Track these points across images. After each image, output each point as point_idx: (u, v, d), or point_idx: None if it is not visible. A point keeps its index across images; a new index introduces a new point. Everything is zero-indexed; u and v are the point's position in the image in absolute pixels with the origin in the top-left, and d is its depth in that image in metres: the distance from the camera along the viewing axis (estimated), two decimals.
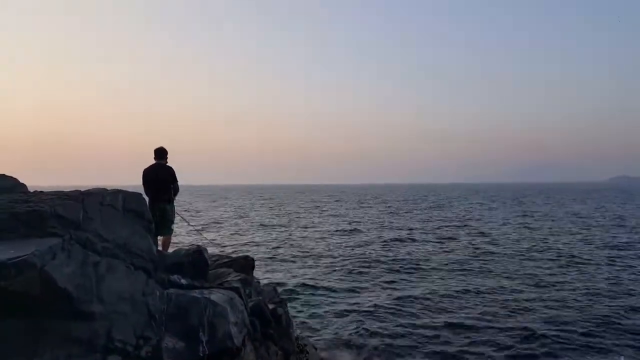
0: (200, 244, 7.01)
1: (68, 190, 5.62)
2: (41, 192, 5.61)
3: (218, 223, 38.55)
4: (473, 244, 24.52)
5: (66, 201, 5.14)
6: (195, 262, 6.32)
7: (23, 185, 6.16)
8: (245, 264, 8.86)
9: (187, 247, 6.82)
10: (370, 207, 64.16)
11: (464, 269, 18.03)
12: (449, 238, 27.25)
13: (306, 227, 35.13)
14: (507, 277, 16.40)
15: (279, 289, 10.76)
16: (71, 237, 4.89)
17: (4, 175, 6.12)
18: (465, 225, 34.72)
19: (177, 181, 7.97)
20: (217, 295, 5.71)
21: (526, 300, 13.20)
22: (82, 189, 5.60)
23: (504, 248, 23.01)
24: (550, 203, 66.13)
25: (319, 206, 66.47)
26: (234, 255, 9.65)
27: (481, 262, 19.45)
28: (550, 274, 16.66)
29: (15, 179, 6.15)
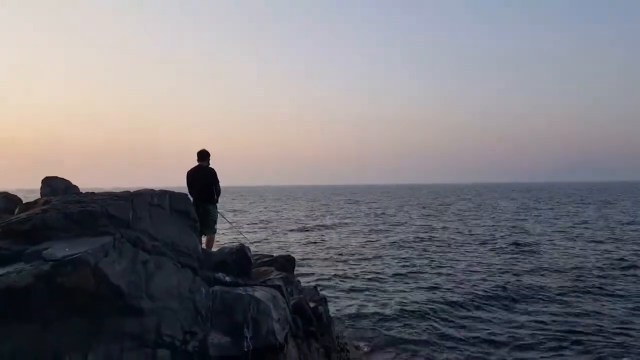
0: (242, 242, 7.15)
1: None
2: (92, 193, 5.86)
3: (260, 223, 39.05)
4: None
5: (117, 201, 5.35)
6: (239, 260, 6.45)
7: (75, 187, 6.44)
8: (286, 263, 8.98)
9: (230, 246, 6.97)
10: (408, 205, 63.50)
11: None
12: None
13: (342, 226, 35.16)
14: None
15: (319, 289, 10.81)
16: (122, 235, 5.09)
17: (57, 177, 6.41)
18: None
19: (218, 182, 8.18)
20: (260, 293, 5.82)
21: None
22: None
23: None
24: None
25: (357, 201, 66.26)
26: (274, 254, 9.77)
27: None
28: None
29: (68, 181, 6.44)
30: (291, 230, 33.18)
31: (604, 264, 18.02)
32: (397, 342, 10.13)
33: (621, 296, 13.34)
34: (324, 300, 8.89)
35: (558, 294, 13.58)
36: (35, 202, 5.60)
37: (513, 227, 32.71)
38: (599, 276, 16.00)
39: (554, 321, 11.18)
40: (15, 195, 6.13)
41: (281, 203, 79.48)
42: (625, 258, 19.19)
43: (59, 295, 4.42)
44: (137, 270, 4.99)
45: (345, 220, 41.49)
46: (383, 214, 50.20)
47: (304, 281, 11.91)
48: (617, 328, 10.56)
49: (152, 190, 5.80)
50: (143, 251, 5.23)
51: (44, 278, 4.35)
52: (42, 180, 6.22)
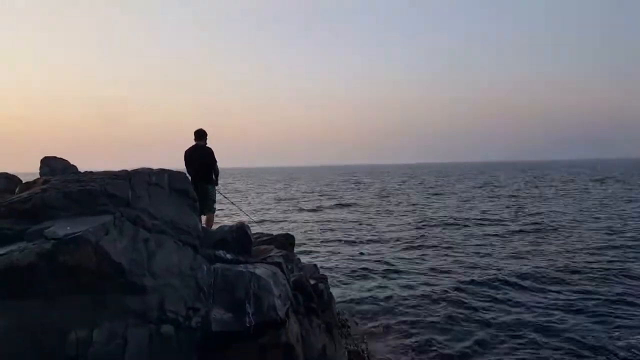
0: (242, 221, 7.19)
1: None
2: (91, 172, 5.87)
3: (261, 203, 39.17)
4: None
5: (115, 180, 5.37)
6: (239, 238, 6.49)
7: (74, 167, 6.44)
8: (285, 242, 9.04)
9: (230, 224, 7.01)
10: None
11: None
12: None
13: (343, 206, 35.29)
14: None
15: (319, 267, 10.86)
16: (122, 214, 5.12)
17: (55, 157, 6.41)
18: None
19: (216, 162, 8.17)
20: (261, 270, 5.86)
21: None
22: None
23: None
24: None
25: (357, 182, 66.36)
26: (274, 234, 9.83)
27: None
28: None
29: (66, 161, 6.44)
30: (292, 210, 33.31)
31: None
32: (400, 321, 10.16)
33: None
34: (324, 278, 8.97)
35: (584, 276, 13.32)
36: (35, 181, 5.62)
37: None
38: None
39: (582, 303, 11.01)
40: (15, 176, 6.13)
41: (282, 184, 79.50)
42: None
43: (61, 273, 4.46)
44: (138, 249, 5.02)
45: (349, 200, 41.56)
46: (385, 192, 50.39)
47: (304, 260, 11.98)
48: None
49: (150, 169, 5.80)
50: (143, 229, 5.26)
51: (46, 256, 4.39)
52: (41, 160, 6.22)
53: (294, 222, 27.02)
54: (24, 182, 6.03)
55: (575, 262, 14.80)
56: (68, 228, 4.65)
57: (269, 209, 35.07)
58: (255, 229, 9.65)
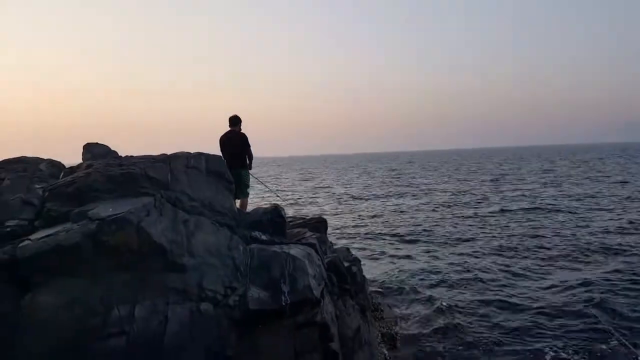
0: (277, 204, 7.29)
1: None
2: (131, 156, 6.05)
3: (291, 189, 39.46)
4: None
5: (155, 164, 5.54)
6: (274, 219, 6.60)
7: (115, 152, 6.65)
8: (319, 225, 9.11)
9: (264, 207, 7.12)
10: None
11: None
12: None
13: (373, 195, 35.23)
14: None
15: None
16: (161, 196, 5.28)
17: (97, 143, 6.63)
18: None
19: (249, 147, 8.27)
20: (295, 250, 5.96)
21: None
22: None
23: None
24: None
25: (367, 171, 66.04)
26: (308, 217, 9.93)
27: None
28: None
29: (107, 147, 6.65)
30: (323, 196, 33.46)
31: None
32: (432, 307, 10.13)
33: None
34: (357, 261, 9.03)
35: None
36: (78, 166, 5.83)
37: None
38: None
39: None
40: (59, 162, 6.38)
41: (308, 172, 79.74)
42: None
43: (104, 252, 4.65)
44: (178, 229, 5.18)
45: (377, 190, 41.39)
46: (412, 179, 50.03)
47: (336, 244, 12.07)
48: None
49: (188, 152, 5.95)
50: (182, 211, 5.42)
51: (90, 236, 4.58)
52: (84, 147, 6.45)
53: (323, 206, 27.14)
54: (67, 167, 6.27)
55: None
56: (110, 209, 4.83)
57: (300, 194, 35.30)
58: (289, 213, 9.76)
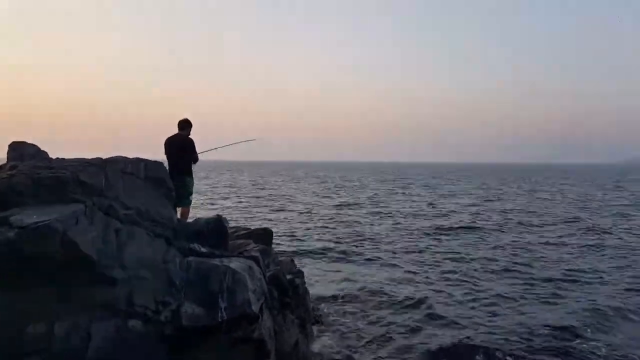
0: (220, 214, 7.06)
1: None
2: (63, 159, 5.68)
3: (246, 197, 38.92)
4: None
5: (88, 168, 5.22)
6: (215, 231, 6.36)
7: (44, 152, 6.24)
8: (263, 236, 8.94)
9: (206, 217, 6.88)
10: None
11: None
12: None
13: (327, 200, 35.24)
14: None
15: (297, 262, 10.79)
16: (93, 203, 4.97)
17: (25, 142, 6.20)
18: None
19: (196, 153, 8.02)
20: (236, 264, 5.75)
21: None
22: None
23: None
24: None
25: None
26: (253, 227, 9.72)
27: None
28: None
29: (36, 147, 6.23)
30: (272, 204, 33.16)
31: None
32: (375, 315, 10.14)
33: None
34: (300, 273, 8.90)
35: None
36: (1, 167, 5.41)
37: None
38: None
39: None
40: None
41: (270, 179, 79.12)
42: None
43: (25, 263, 4.32)
44: (109, 239, 4.89)
45: (333, 196, 41.51)
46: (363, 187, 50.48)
47: (282, 254, 11.88)
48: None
49: (125, 157, 5.65)
50: (116, 220, 5.12)
51: (9, 245, 4.23)
52: (9, 145, 6.00)
53: (272, 215, 26.89)
54: None
55: None
56: (35, 217, 4.48)
57: (251, 203, 34.87)
58: (235, 222, 9.51)
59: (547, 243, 18.24)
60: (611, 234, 20.52)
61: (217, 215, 6.74)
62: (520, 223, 23.85)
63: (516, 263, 14.91)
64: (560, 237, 19.78)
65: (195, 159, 8.07)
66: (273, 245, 9.67)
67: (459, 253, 16.62)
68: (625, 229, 22.17)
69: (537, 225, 23.22)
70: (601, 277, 13.15)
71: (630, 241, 18.84)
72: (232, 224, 11.37)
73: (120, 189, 5.37)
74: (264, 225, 12.74)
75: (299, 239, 19.04)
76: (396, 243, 18.60)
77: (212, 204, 31.34)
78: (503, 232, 21.19)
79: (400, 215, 27.24)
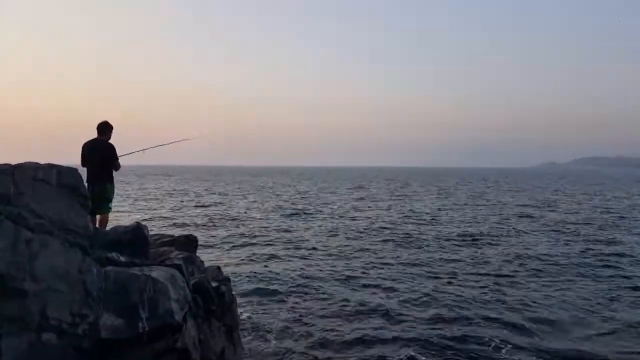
0: (140, 221, 6.86)
1: None
2: None
3: (166, 203, 37.72)
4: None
5: None
6: (135, 239, 6.18)
7: None
8: (187, 243, 8.77)
9: (125, 225, 6.66)
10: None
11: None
12: None
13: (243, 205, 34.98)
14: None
15: (224, 269, 10.66)
16: (1, 212, 4.67)
17: None
18: None
19: (117, 159, 7.76)
20: (157, 272, 5.62)
21: None
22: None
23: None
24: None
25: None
26: (176, 234, 9.50)
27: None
28: None
29: None
30: (200, 211, 32.42)
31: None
32: (303, 321, 10.22)
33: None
34: (227, 280, 8.80)
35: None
36: None
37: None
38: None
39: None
40: None
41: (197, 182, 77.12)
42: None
43: None
44: (19, 250, 4.61)
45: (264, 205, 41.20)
46: (304, 193, 50.66)
47: (209, 261, 11.70)
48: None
49: (36, 163, 5.35)
50: (26, 229, 4.84)
51: None
52: None
53: (199, 220, 26.33)
54: None
55: None
56: None
57: (177, 208, 33.92)
58: (161, 229, 9.25)
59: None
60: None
61: (137, 222, 6.54)
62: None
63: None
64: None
65: (117, 166, 7.80)
66: (199, 253, 9.51)
67: (367, 250, 17.79)
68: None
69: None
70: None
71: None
72: (154, 231, 11.11)
73: (31, 196, 5.07)
74: (189, 232, 12.55)
75: (226, 246, 18.84)
76: (316, 243, 19.11)
77: (134, 211, 30.17)
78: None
79: (320, 216, 27.78)
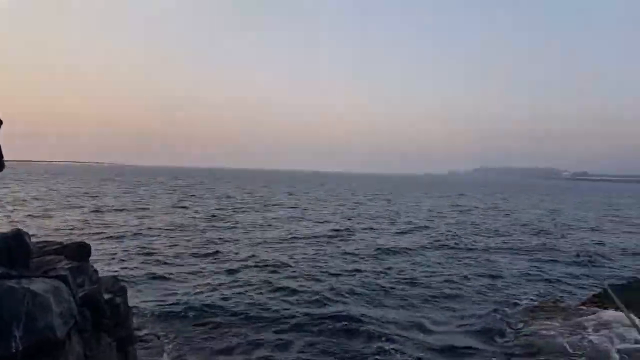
0: (23, 227, 6.25)
1: None
2: None
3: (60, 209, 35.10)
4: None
5: None
6: (13, 248, 5.59)
7: None
8: (79, 251, 8.12)
9: (2, 232, 6.02)
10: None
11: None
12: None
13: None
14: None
15: (122, 279, 10.09)
16: None
17: None
18: None
19: (1, 157, 7.03)
20: (38, 285, 5.12)
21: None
22: None
23: None
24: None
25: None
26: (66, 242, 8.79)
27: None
28: None
29: None
30: (94, 217, 30.55)
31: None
32: (201, 331, 9.94)
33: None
34: (123, 290, 8.28)
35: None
36: None
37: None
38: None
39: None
40: None
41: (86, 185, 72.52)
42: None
43: None
44: None
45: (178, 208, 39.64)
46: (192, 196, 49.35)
47: (105, 272, 11.02)
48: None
49: None
50: None
51: None
52: None
53: (92, 225, 24.81)
54: None
55: None
56: None
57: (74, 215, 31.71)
58: (50, 236, 8.52)
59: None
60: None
61: (17, 228, 5.94)
62: None
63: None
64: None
65: (1, 165, 7.07)
66: (92, 261, 8.88)
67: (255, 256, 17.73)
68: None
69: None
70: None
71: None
72: (41, 238, 10.26)
73: None
74: (81, 239, 11.69)
75: (122, 255, 17.87)
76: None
77: (13, 218, 27.85)
78: None
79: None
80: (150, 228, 25.00)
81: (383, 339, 9.42)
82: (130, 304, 8.60)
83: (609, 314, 13.47)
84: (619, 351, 10.26)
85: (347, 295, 12.68)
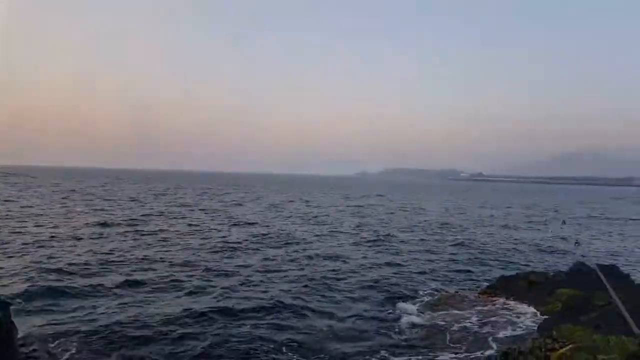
0: None
1: None
2: None
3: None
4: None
5: None
6: None
7: None
8: None
9: None
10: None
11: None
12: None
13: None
14: None
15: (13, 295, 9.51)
16: None
17: None
18: None
19: None
20: None
21: None
22: None
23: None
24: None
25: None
26: None
27: None
28: None
29: None
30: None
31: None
32: (93, 348, 9.57)
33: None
34: (5, 305, 7.94)
35: None
36: None
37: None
38: None
39: None
40: None
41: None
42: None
43: None
44: None
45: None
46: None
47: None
48: None
49: None
50: None
51: None
52: None
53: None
54: None
55: None
56: None
57: None
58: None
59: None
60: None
61: None
62: None
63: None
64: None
65: None
66: None
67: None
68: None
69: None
70: None
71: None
72: None
73: None
74: None
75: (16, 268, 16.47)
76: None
77: None
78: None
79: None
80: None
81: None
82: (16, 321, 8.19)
83: (500, 302, 14.68)
84: (496, 340, 11.19)
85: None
